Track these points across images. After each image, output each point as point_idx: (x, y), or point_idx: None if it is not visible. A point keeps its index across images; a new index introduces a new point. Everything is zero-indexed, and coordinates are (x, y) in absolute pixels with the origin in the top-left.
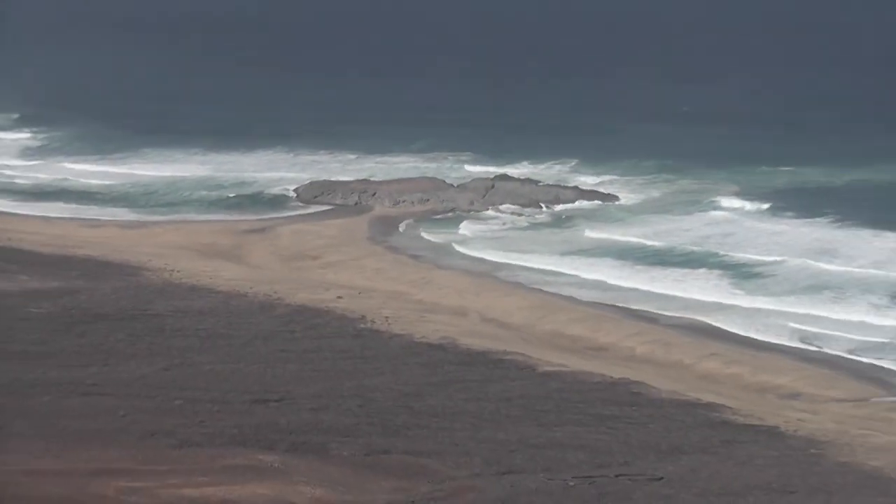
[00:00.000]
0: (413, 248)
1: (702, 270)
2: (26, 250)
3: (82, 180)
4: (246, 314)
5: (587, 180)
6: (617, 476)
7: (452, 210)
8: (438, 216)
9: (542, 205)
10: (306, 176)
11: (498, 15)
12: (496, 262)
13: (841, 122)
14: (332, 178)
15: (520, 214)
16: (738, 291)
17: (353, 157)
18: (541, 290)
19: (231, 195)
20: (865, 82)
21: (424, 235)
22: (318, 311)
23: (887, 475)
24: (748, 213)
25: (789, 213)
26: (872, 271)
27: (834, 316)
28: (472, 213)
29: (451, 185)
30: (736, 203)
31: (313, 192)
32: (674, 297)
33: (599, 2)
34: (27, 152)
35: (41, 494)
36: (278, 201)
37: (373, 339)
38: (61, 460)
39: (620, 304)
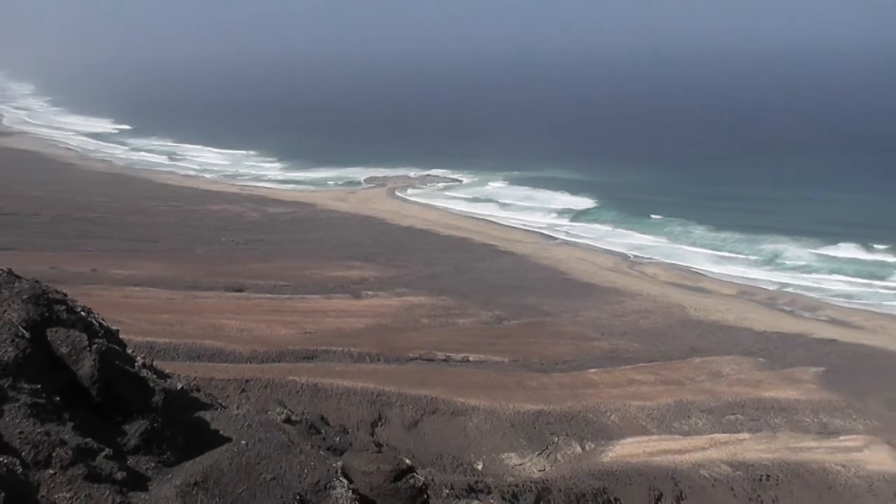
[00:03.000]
0: (400, 198)
1: (489, 204)
2: (276, 199)
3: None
4: (347, 219)
5: (454, 175)
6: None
7: (413, 185)
8: (407, 187)
9: (439, 184)
10: (367, 175)
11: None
12: (426, 203)
13: (528, 143)
14: (376, 176)
15: (434, 186)
16: (502, 211)
17: (383, 168)
18: (436, 209)
19: (343, 182)
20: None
21: (400, 194)
22: (371, 217)
23: (551, 266)
24: (502, 187)
25: (518, 186)
26: (545, 204)
27: (533, 218)
28: (418, 186)
29: (412, 177)
30: (500, 183)
31: (369, 181)
32: (476, 213)
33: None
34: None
35: (301, 276)
36: (358, 183)
37: (389, 226)
38: (297, 264)
39: (465, 215)
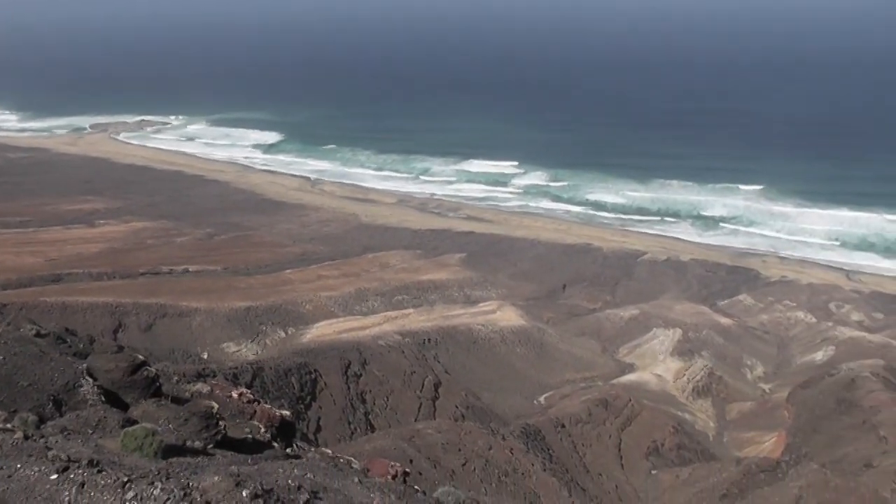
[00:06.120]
0: (121, 140)
1: (195, 142)
2: (15, 146)
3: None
4: (77, 160)
5: (163, 119)
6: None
7: (130, 129)
8: (125, 131)
9: (151, 127)
10: (92, 122)
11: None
12: (142, 144)
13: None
14: (99, 122)
15: (147, 129)
16: (206, 148)
17: (104, 116)
18: (151, 148)
19: (71, 129)
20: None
21: (120, 137)
22: (97, 158)
23: (249, 189)
24: (204, 127)
25: (218, 126)
26: (240, 140)
27: (232, 153)
28: (135, 129)
29: (129, 122)
30: (202, 125)
31: (94, 127)
32: (184, 150)
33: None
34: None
35: (42, 211)
36: (84, 129)
37: (113, 164)
38: (38, 201)
39: (175, 152)
